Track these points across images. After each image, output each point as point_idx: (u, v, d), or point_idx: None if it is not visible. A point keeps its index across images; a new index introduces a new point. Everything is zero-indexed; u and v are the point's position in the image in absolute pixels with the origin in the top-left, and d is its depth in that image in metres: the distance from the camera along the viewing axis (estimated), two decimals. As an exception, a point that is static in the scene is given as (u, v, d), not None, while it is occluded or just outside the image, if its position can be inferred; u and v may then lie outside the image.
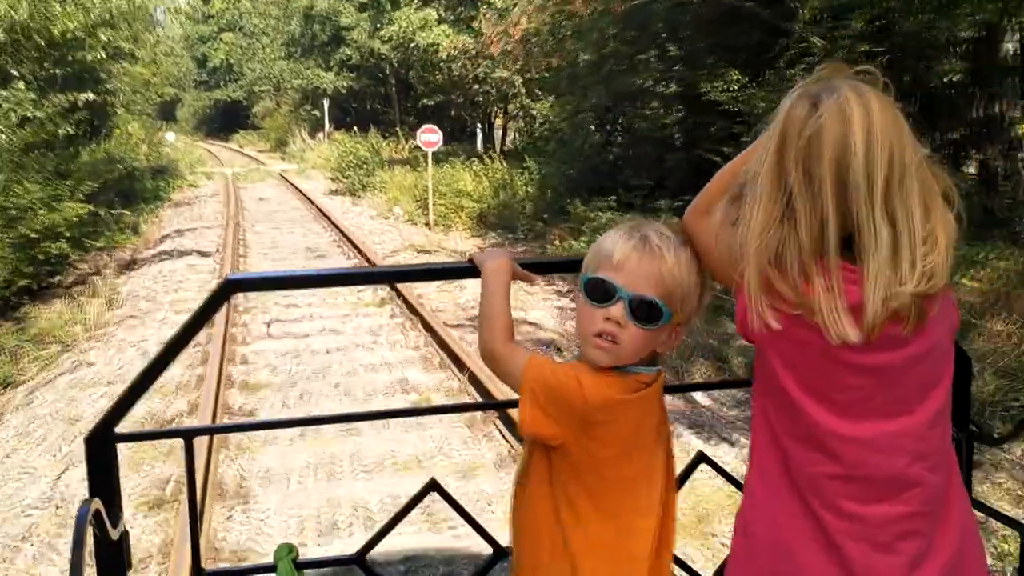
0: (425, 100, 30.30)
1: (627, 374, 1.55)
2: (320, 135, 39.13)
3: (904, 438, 1.38)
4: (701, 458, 2.23)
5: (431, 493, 1.94)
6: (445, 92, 28.99)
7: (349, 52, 35.17)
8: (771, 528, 1.44)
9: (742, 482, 2.25)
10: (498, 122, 28.56)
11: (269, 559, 1.82)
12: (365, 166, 23.81)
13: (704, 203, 1.60)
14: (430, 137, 17.04)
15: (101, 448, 1.65)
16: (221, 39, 61.81)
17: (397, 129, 30.82)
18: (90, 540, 1.52)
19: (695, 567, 2.09)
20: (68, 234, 12.20)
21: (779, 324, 1.34)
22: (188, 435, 1.85)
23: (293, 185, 26.39)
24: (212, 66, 64.31)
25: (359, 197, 22.57)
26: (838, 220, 1.30)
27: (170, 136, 37.66)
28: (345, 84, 37.62)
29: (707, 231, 1.56)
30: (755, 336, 1.40)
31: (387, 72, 34.57)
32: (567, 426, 1.52)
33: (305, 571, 1.81)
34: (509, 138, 26.72)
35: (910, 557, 1.38)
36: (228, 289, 1.73)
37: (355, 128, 31.58)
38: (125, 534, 1.69)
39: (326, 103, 39.29)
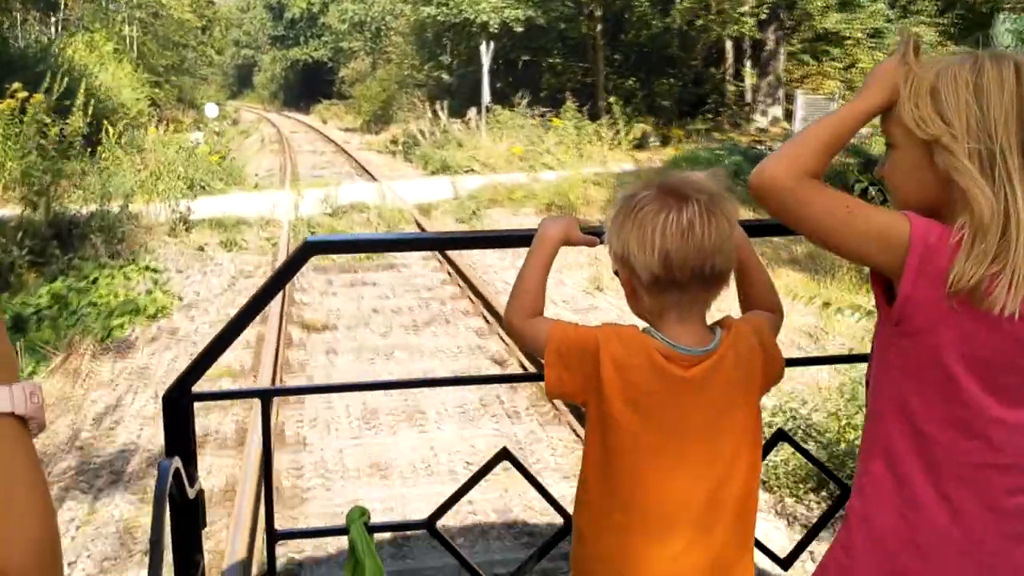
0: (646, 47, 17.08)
1: (669, 346, 1.47)
2: (471, 114, 20.45)
3: None
4: (780, 436, 2.14)
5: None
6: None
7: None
8: (901, 522, 1.36)
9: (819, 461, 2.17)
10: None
11: (341, 517, 1.82)
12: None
13: (803, 165, 1.35)
14: None
15: (178, 408, 1.66)
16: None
17: (611, 102, 17.58)
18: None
19: None
20: None
21: (979, 302, 1.25)
22: (265, 395, 1.86)
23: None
24: (290, 17, 55.67)
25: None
26: None
27: (211, 109, 23.34)
28: (521, 15, 22.69)
29: (821, 196, 1.34)
30: (925, 314, 1.29)
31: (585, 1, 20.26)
32: (587, 376, 1.48)
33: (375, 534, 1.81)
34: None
35: None
36: (307, 251, 1.74)
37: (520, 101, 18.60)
38: (201, 493, 1.71)
39: (486, 52, 19.76)
